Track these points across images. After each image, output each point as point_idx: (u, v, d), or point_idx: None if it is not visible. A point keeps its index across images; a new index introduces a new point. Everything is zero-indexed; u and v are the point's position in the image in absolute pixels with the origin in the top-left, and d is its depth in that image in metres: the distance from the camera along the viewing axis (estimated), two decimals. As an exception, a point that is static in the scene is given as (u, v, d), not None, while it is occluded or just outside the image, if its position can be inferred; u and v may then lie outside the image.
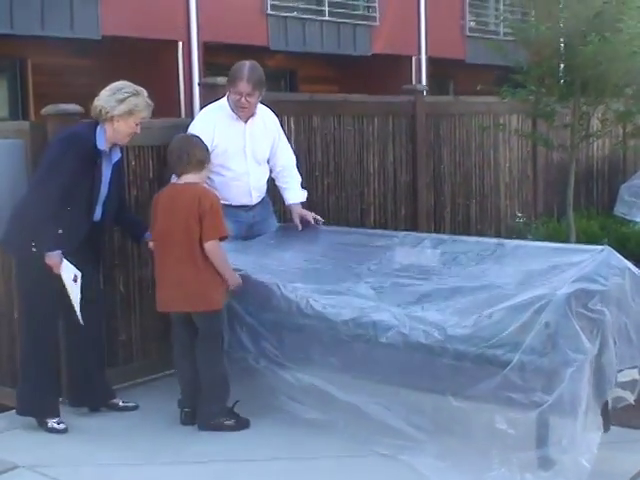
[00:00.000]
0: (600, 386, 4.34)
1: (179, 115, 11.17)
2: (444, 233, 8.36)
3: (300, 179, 6.25)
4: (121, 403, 5.58)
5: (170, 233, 5.09)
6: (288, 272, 5.42)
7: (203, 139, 5.44)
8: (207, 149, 5.32)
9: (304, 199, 6.22)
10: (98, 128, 5.25)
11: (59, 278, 5.07)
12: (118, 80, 5.38)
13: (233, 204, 5.86)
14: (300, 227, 6.01)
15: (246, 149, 5.87)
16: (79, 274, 5.11)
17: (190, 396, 5.28)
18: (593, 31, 7.03)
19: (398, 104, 8.31)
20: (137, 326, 6.08)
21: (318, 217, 6.11)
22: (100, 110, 5.22)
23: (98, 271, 5.56)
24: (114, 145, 5.34)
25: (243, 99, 5.74)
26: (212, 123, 5.78)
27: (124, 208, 5.60)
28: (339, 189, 7.60)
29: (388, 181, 8.09)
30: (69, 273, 5.08)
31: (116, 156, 5.37)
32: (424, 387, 4.70)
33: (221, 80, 6.59)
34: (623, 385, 4.59)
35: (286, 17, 12.76)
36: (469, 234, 8.50)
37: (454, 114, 8.86)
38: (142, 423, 5.38)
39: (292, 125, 7.15)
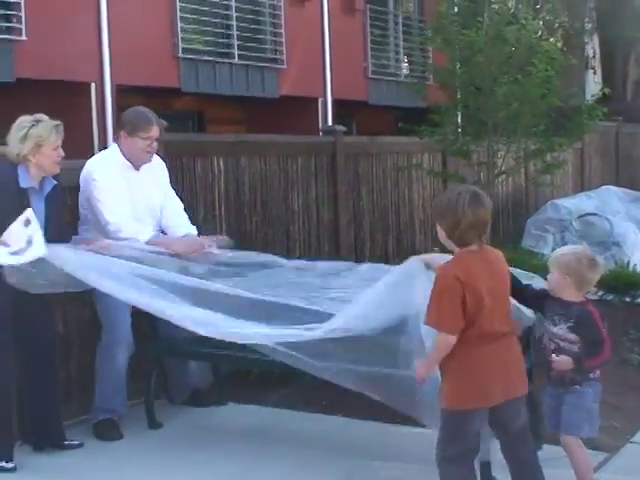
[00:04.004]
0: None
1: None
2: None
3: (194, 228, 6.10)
4: (65, 441, 5.58)
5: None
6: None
7: (119, 193, 5.57)
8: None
9: None
10: (19, 167, 5.18)
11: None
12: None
13: None
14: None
15: (137, 198, 5.85)
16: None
17: None
18: (505, 74, 7.45)
19: (319, 144, 8.61)
20: (76, 364, 6.12)
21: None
22: (15, 155, 5.18)
23: (48, 308, 5.51)
24: (45, 178, 5.28)
25: (154, 143, 5.81)
26: (109, 168, 5.74)
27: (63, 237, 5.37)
28: (266, 226, 7.82)
29: (312, 218, 8.35)
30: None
31: (48, 187, 5.29)
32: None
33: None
34: None
35: (197, 60, 12.92)
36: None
37: (371, 153, 9.19)
38: (89, 460, 5.43)
39: (221, 165, 7.35)
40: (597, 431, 4.64)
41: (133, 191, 5.83)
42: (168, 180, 6.16)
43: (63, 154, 5.28)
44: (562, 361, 4.43)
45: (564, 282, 4.46)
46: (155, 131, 5.79)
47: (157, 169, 6.06)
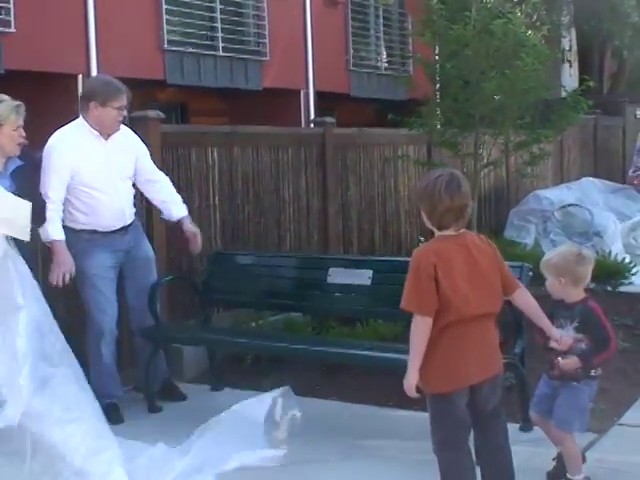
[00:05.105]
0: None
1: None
2: (352, 256, 8.77)
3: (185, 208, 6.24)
4: None
5: None
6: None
7: (66, 160, 5.54)
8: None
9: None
10: None
11: None
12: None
13: (109, 230, 5.86)
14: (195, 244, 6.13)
15: (111, 166, 5.82)
16: None
17: None
18: (493, 68, 7.60)
19: (309, 135, 8.75)
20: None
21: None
22: None
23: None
24: (9, 158, 5.30)
25: (124, 111, 5.79)
26: (71, 144, 5.69)
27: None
28: (258, 216, 7.95)
29: (302, 208, 8.48)
30: None
31: (12, 167, 5.29)
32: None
33: (152, 114, 6.89)
34: None
35: (182, 52, 13.02)
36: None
37: (359, 145, 9.34)
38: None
39: (215, 156, 7.47)
40: (587, 426, 4.77)
41: (104, 160, 5.78)
42: (142, 148, 6.09)
43: (24, 135, 5.25)
44: (569, 363, 4.50)
45: (560, 284, 4.56)
46: (124, 99, 5.75)
47: (126, 136, 5.98)
